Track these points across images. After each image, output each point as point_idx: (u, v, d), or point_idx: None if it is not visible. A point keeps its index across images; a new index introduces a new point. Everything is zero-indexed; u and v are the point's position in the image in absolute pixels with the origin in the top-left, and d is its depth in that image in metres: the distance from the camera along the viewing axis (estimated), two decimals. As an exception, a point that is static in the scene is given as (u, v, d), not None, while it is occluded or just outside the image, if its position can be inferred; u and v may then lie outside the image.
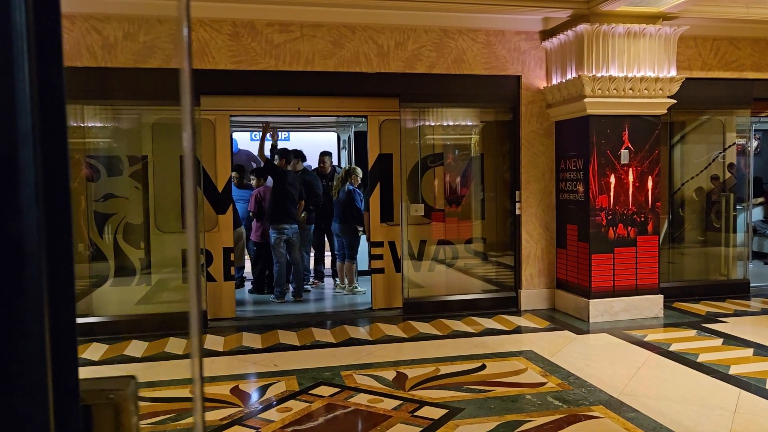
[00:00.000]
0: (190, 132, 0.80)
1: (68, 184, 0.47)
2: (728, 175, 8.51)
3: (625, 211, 6.64)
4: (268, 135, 7.73)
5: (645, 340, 5.84)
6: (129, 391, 0.71)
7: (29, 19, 0.43)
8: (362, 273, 8.30)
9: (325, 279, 8.85)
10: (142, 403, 4.03)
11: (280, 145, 8.66)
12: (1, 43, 0.42)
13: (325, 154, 8.89)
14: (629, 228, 6.65)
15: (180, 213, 6.83)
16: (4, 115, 0.43)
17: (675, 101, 6.69)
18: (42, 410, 0.44)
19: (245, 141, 11.26)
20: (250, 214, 8.14)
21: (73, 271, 0.48)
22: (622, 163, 6.60)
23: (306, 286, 8.20)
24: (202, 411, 0.83)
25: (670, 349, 5.54)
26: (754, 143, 10.51)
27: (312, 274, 8.74)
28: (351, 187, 7.88)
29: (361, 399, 4.37)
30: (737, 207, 8.36)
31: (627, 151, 6.60)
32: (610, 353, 5.53)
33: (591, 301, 6.54)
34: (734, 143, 8.46)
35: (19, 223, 0.43)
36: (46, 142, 0.45)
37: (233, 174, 8.48)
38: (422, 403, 4.25)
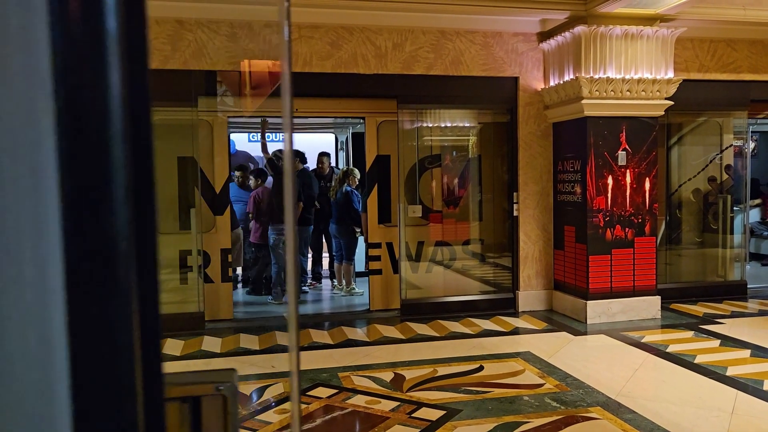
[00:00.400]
0: (290, 134, 0.83)
1: (154, 184, 0.49)
2: (725, 176, 8.53)
3: (623, 213, 6.65)
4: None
5: (642, 341, 5.85)
6: (233, 383, 0.74)
7: (120, 23, 0.45)
8: (360, 274, 8.29)
9: (323, 280, 8.85)
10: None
11: (278, 146, 8.64)
12: (94, 47, 0.44)
13: (323, 155, 8.89)
14: (627, 229, 6.66)
15: (177, 214, 6.82)
16: (99, 117, 0.45)
17: (672, 103, 6.71)
18: (131, 405, 0.46)
19: (243, 142, 11.25)
20: (249, 215, 8.12)
21: (158, 270, 0.51)
22: (619, 164, 6.61)
23: (304, 288, 8.19)
24: (298, 403, 0.87)
25: (668, 350, 5.55)
26: (751, 145, 10.54)
27: (310, 276, 8.73)
28: (349, 189, 7.88)
29: (359, 400, 4.37)
30: (734, 208, 8.38)
31: (624, 152, 6.62)
32: (607, 354, 5.54)
33: (588, 302, 6.55)
34: (731, 145, 8.48)
35: (112, 222, 0.45)
36: (135, 143, 0.47)
37: (238, 173, 8.45)
38: (420, 405, 4.25)
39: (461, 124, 7.89)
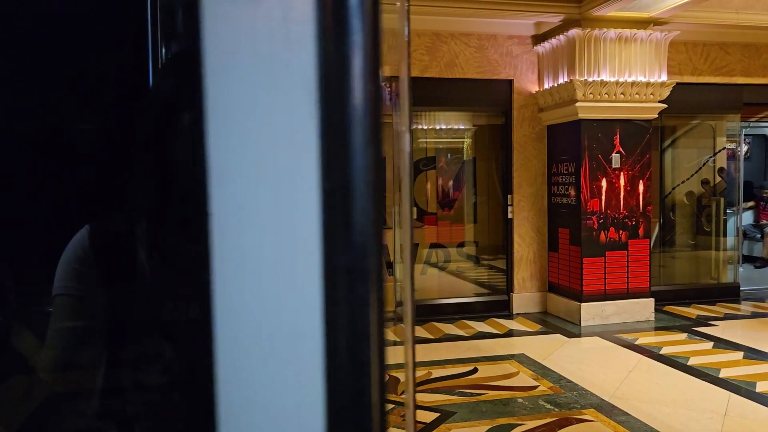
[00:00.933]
0: (409, 137, 0.87)
1: (384, 183, 0.55)
2: (719, 179, 8.57)
3: (617, 215, 6.67)
4: None
5: (636, 343, 5.87)
6: None
7: (366, 39, 0.50)
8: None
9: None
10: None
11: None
12: (350, 59, 0.50)
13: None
14: (620, 232, 6.68)
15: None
16: (353, 123, 0.50)
17: (666, 106, 6.73)
18: (368, 383, 0.51)
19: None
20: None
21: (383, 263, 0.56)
22: (613, 167, 6.63)
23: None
24: (413, 396, 0.91)
25: (661, 352, 5.56)
26: (744, 148, 10.60)
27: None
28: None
29: (353, 403, 4.36)
30: (727, 211, 8.43)
31: (618, 155, 6.64)
32: (601, 356, 5.55)
33: (583, 304, 6.57)
34: (724, 148, 8.53)
35: (362, 219, 0.50)
36: (376, 146, 0.52)
37: None
38: (414, 407, 4.25)
39: (456, 127, 7.91)
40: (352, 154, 0.49)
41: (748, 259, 10.05)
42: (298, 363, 0.49)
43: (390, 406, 4.28)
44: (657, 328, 6.45)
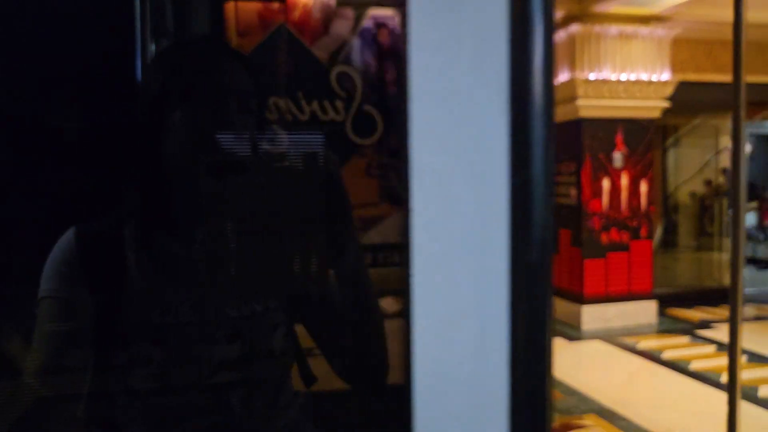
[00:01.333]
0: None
1: (554, 180, 0.56)
2: (722, 179, 8.47)
3: (619, 216, 6.57)
4: None
5: (638, 347, 5.77)
6: None
7: (545, 41, 0.52)
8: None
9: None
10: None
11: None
12: (536, 58, 0.52)
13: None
14: (622, 232, 6.58)
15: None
16: (539, 122, 0.52)
17: (669, 104, 6.63)
18: (544, 374, 0.54)
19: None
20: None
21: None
22: (615, 166, 6.53)
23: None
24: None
25: (663, 356, 5.47)
26: (749, 147, 10.50)
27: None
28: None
29: (347, 407, 4.27)
30: (730, 211, 8.33)
31: (620, 154, 6.54)
32: (602, 361, 5.46)
33: (583, 307, 6.46)
34: (727, 147, 8.43)
35: (544, 214, 0.52)
36: (552, 144, 0.54)
37: None
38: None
39: (455, 126, 7.84)
40: (535, 151, 0.52)
41: (751, 261, 9.94)
42: (486, 354, 0.52)
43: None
44: (659, 332, 6.36)
